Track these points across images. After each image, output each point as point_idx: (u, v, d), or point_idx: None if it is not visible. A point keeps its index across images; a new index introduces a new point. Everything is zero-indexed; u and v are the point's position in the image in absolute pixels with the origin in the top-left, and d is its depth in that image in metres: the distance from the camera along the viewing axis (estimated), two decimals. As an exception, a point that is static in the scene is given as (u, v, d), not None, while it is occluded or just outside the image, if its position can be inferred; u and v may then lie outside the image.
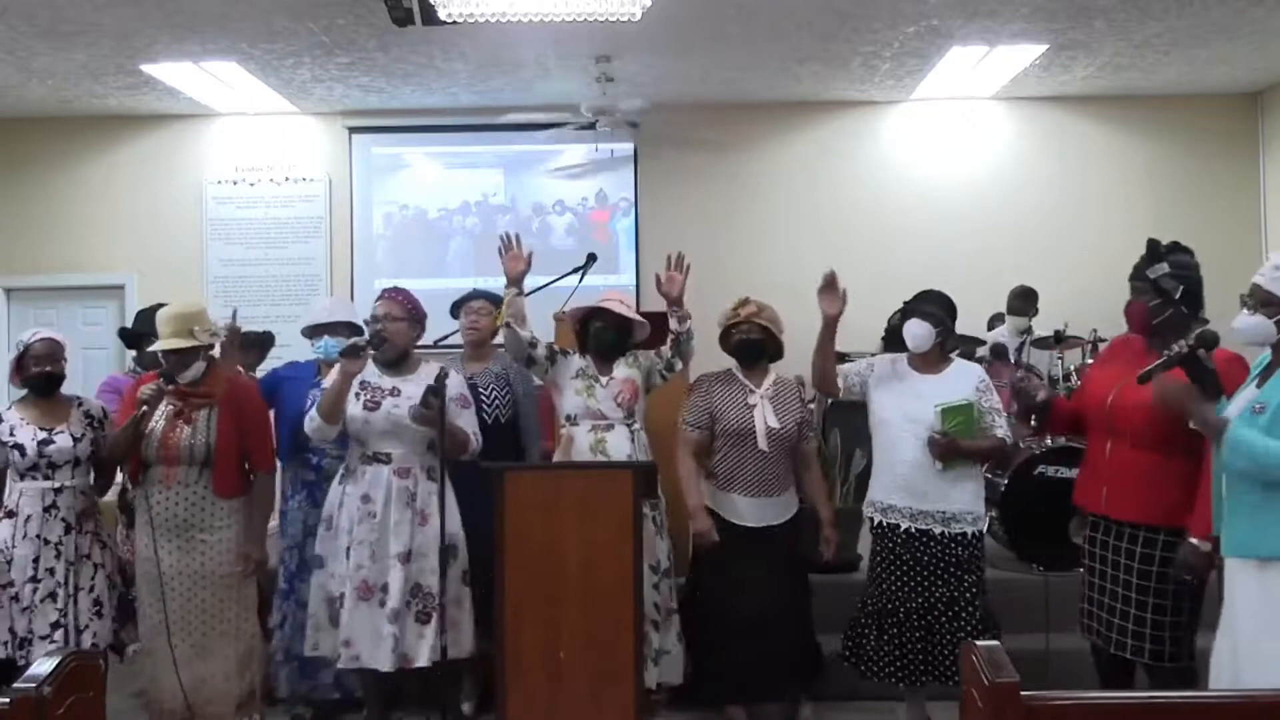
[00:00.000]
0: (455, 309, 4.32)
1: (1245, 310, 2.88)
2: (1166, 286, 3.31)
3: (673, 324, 3.88)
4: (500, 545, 3.44)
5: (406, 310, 3.80)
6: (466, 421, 3.79)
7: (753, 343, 3.93)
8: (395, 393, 3.69)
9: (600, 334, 3.92)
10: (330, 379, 3.68)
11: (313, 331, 4.21)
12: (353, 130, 7.49)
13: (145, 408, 3.61)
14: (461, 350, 4.33)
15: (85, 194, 7.47)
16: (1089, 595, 3.46)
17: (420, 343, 3.93)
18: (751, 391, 3.92)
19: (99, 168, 7.48)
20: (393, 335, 3.73)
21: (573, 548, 3.42)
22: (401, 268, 7.46)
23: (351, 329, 4.24)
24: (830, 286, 3.71)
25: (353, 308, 4.47)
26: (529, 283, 4.00)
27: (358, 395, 3.71)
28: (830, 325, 3.73)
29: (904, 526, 3.69)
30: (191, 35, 5.68)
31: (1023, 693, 1.92)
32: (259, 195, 7.49)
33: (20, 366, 3.76)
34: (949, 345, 3.81)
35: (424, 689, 3.82)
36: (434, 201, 7.54)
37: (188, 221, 7.45)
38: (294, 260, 7.48)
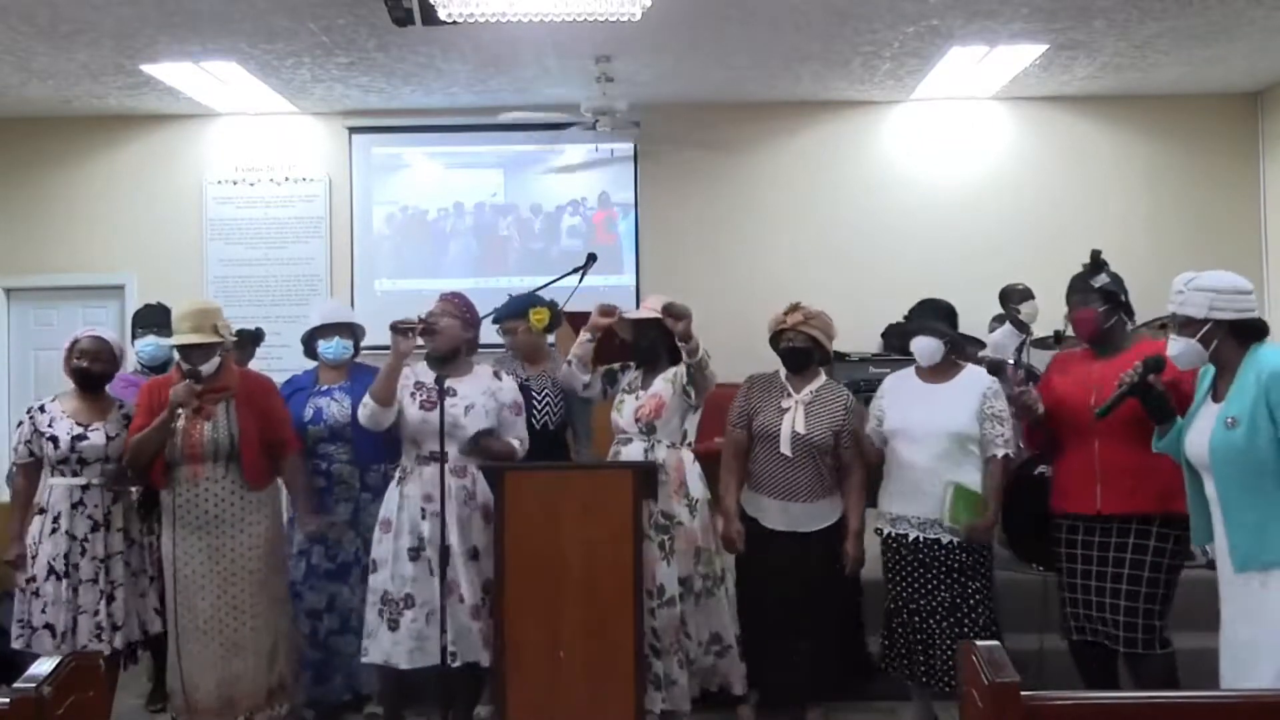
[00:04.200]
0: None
1: (1172, 336, 2.93)
2: (1114, 291, 3.43)
3: (685, 355, 3.84)
4: (500, 545, 3.45)
5: (460, 311, 3.84)
6: (519, 430, 3.86)
7: (797, 351, 3.94)
8: (451, 393, 3.69)
9: (638, 342, 3.97)
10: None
11: (313, 336, 4.21)
12: (353, 130, 7.48)
13: (180, 409, 3.63)
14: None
15: (85, 194, 7.45)
16: (1075, 597, 3.50)
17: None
18: (789, 395, 3.92)
19: (99, 168, 7.47)
20: (442, 330, 3.76)
21: (573, 548, 3.43)
22: (402, 268, 7.46)
23: (349, 328, 4.25)
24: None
25: (348, 309, 4.49)
26: (529, 283, 4.01)
27: (413, 395, 3.74)
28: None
29: (913, 536, 3.70)
30: (191, 35, 5.68)
31: (1023, 693, 1.92)
32: (259, 195, 7.48)
33: (68, 359, 3.84)
34: (957, 352, 3.83)
35: (443, 689, 3.80)
36: (434, 202, 7.53)
37: (188, 221, 7.44)
38: (294, 260, 7.46)
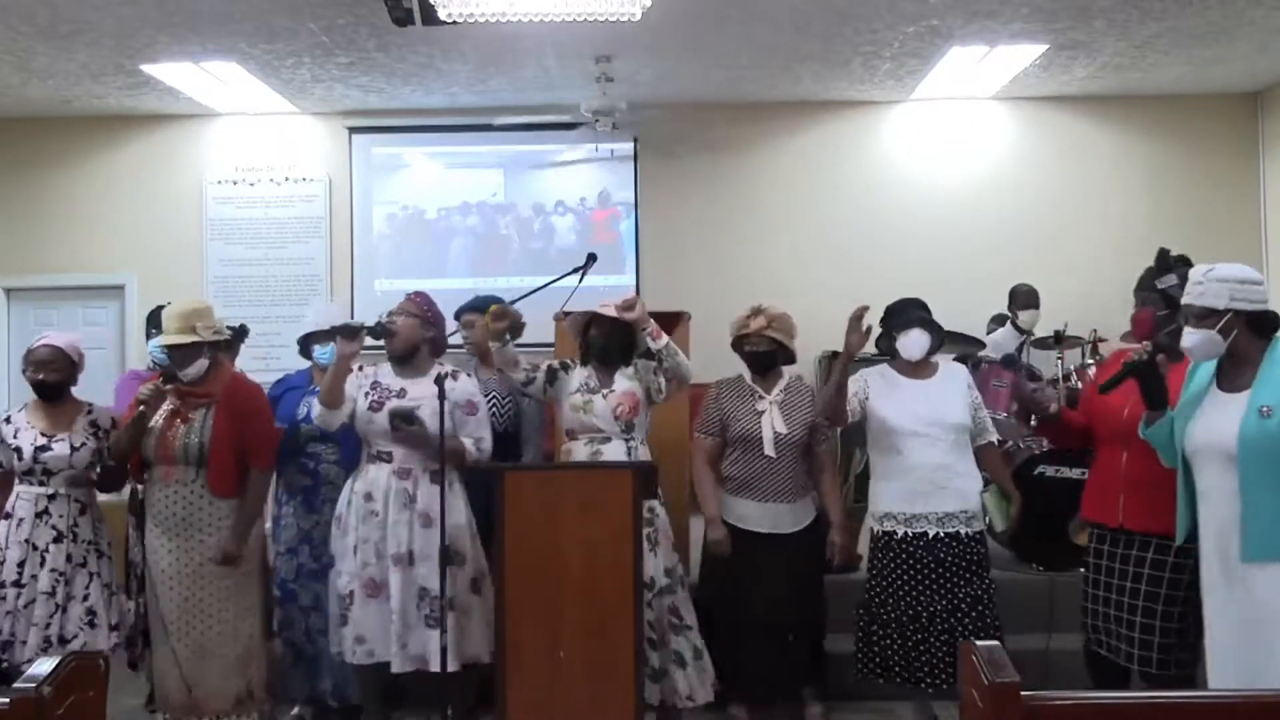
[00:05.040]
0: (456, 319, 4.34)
1: (1188, 328, 2.89)
2: (1176, 296, 3.32)
3: (649, 344, 3.76)
4: (500, 545, 3.44)
5: (420, 310, 3.82)
6: (472, 429, 3.79)
7: (762, 355, 3.94)
8: (401, 394, 3.71)
9: (594, 341, 3.87)
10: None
11: (308, 340, 4.20)
12: (353, 130, 7.48)
13: (143, 408, 3.61)
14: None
15: (85, 194, 7.46)
16: (1095, 608, 3.45)
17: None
18: (761, 397, 3.92)
19: (99, 168, 7.48)
20: (400, 329, 3.74)
21: (573, 548, 3.42)
22: (401, 268, 7.47)
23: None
24: (857, 322, 3.60)
25: (344, 311, 4.49)
26: (528, 283, 3.98)
27: (367, 394, 3.74)
28: (849, 361, 3.66)
29: (933, 533, 3.68)
30: (191, 35, 5.68)
31: (1023, 693, 1.92)
32: (259, 195, 7.49)
33: (23, 369, 3.78)
34: (934, 347, 3.84)
35: (427, 690, 3.81)
36: (434, 201, 7.54)
37: (188, 221, 7.45)
38: (294, 260, 7.47)
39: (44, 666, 2.01)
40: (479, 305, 4.26)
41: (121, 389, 4.40)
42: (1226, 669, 2.85)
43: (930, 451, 3.68)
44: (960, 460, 3.72)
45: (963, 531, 3.67)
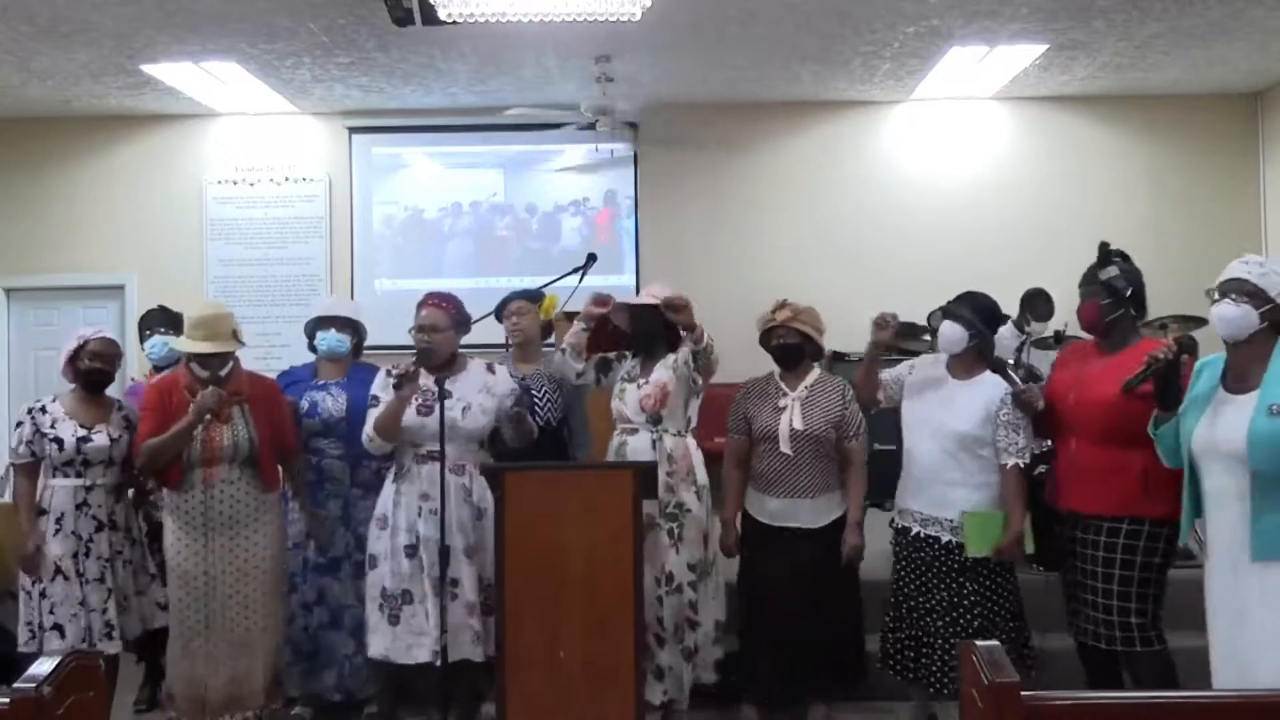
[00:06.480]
0: (498, 313, 4.36)
1: (1228, 300, 2.93)
2: (1119, 286, 3.45)
3: (692, 346, 3.87)
4: (501, 545, 3.45)
5: (452, 319, 3.85)
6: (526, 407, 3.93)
7: (789, 347, 3.94)
8: (447, 394, 3.72)
9: (636, 331, 3.96)
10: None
11: (314, 327, 4.22)
12: (353, 130, 7.48)
13: (209, 415, 3.66)
14: (509, 350, 4.36)
15: (85, 194, 7.45)
16: (1069, 592, 3.57)
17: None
18: (784, 394, 3.92)
19: (99, 168, 7.47)
20: (438, 346, 3.78)
21: (573, 548, 3.43)
22: (401, 268, 7.47)
23: (350, 324, 4.24)
24: (883, 323, 3.76)
25: (354, 305, 4.51)
26: (528, 283, 4.01)
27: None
28: (877, 348, 3.81)
29: (914, 530, 3.71)
30: (191, 35, 5.68)
31: (1023, 693, 1.92)
32: (259, 195, 7.48)
33: (74, 360, 3.80)
34: (986, 353, 3.73)
35: (429, 687, 3.81)
36: (434, 201, 7.54)
37: (188, 221, 7.44)
38: (294, 260, 7.47)
39: (44, 666, 2.01)
40: (531, 294, 4.32)
41: (136, 398, 4.37)
42: (1227, 666, 2.88)
43: (927, 451, 3.70)
44: (954, 469, 3.66)
45: (943, 538, 3.67)
